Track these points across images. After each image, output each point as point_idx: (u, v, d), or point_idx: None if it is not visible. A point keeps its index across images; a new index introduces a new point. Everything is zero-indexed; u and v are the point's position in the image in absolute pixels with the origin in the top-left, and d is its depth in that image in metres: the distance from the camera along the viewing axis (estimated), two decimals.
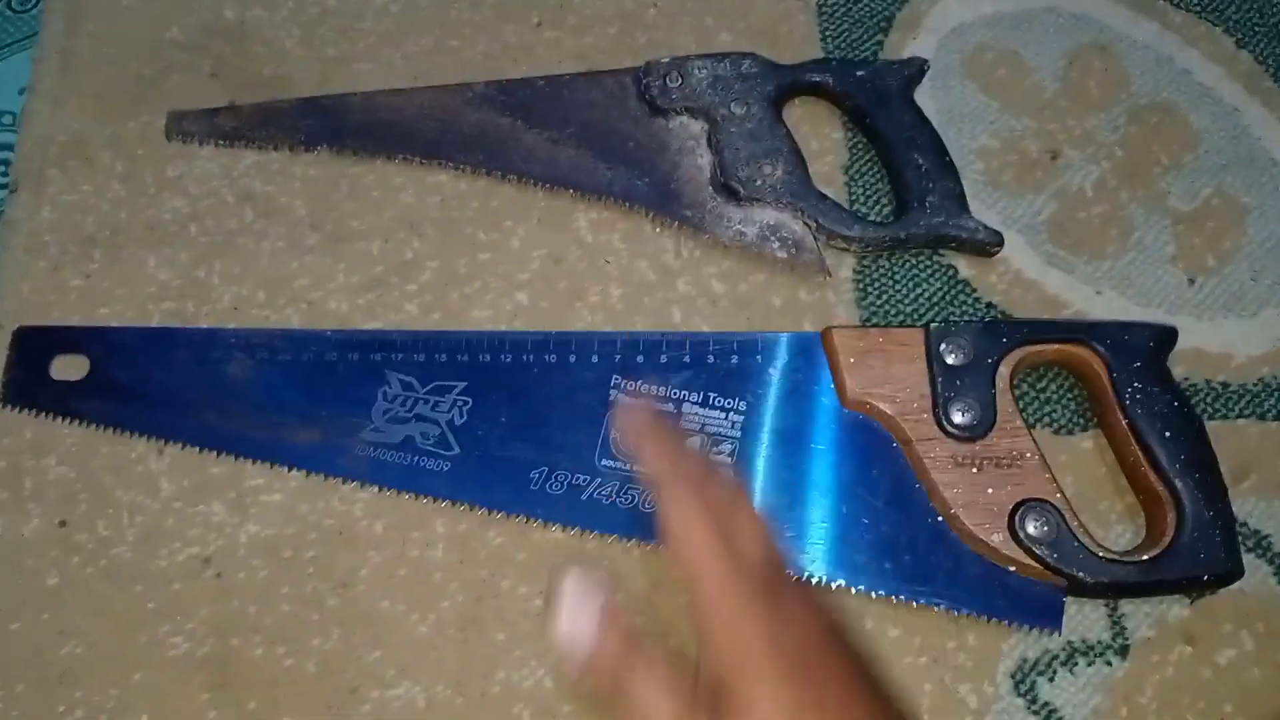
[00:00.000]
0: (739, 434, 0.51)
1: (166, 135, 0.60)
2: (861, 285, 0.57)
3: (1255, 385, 0.54)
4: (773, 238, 0.57)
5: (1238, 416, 0.54)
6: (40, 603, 0.50)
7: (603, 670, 0.37)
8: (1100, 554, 0.47)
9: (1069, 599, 0.49)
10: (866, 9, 0.64)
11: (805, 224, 0.57)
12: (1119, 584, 0.48)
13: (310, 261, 0.57)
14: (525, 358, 0.53)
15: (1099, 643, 0.49)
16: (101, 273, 0.57)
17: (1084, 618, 0.49)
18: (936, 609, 0.49)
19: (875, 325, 0.55)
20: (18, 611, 0.50)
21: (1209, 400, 0.54)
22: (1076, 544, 0.47)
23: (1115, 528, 0.51)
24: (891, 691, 0.37)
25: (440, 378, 0.53)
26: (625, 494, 0.51)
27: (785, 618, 0.36)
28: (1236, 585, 0.49)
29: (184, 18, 0.64)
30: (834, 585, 0.49)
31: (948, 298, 0.56)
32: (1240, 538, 0.50)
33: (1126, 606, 0.50)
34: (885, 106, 0.58)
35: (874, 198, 0.59)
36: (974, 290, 0.57)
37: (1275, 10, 0.64)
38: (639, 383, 0.52)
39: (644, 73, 0.60)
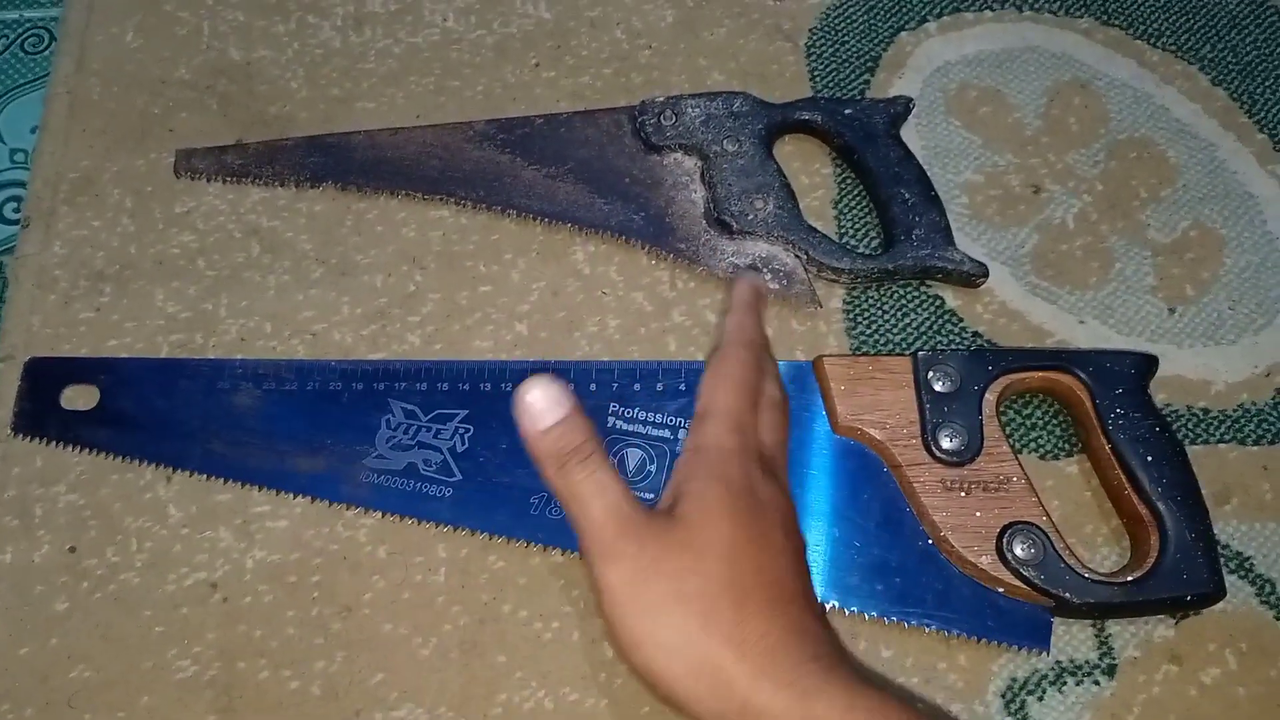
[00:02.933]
0: None
1: (175, 172, 0.62)
2: (851, 315, 0.58)
3: (1235, 411, 0.56)
4: (765, 270, 0.58)
5: (1218, 441, 0.55)
6: (49, 628, 0.51)
7: (558, 454, 0.41)
8: (1086, 575, 0.49)
9: (1056, 619, 0.50)
10: (853, 50, 0.66)
11: (796, 256, 0.58)
12: (1105, 604, 0.49)
13: (315, 294, 0.59)
14: None
15: (1086, 662, 0.50)
16: (111, 306, 0.58)
17: (1072, 638, 0.51)
18: (927, 630, 0.50)
19: (865, 354, 0.57)
20: (27, 636, 0.50)
21: (1190, 426, 0.56)
22: (1063, 566, 0.49)
23: (1101, 550, 0.52)
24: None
25: (442, 406, 0.54)
26: None
27: (764, 482, 0.43)
28: (1220, 606, 0.50)
29: (191, 58, 0.66)
30: (827, 606, 0.50)
31: (935, 327, 0.58)
32: (1223, 559, 0.51)
33: (1113, 627, 0.51)
34: (873, 143, 0.60)
35: (862, 231, 0.61)
36: (960, 320, 0.58)
37: (1248, 49, 0.67)
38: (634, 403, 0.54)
39: (639, 111, 0.62)
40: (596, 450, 0.42)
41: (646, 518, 0.41)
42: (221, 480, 0.54)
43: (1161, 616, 0.51)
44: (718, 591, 0.39)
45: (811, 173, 0.63)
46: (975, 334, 0.58)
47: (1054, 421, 0.55)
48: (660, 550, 0.40)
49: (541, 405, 0.42)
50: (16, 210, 0.63)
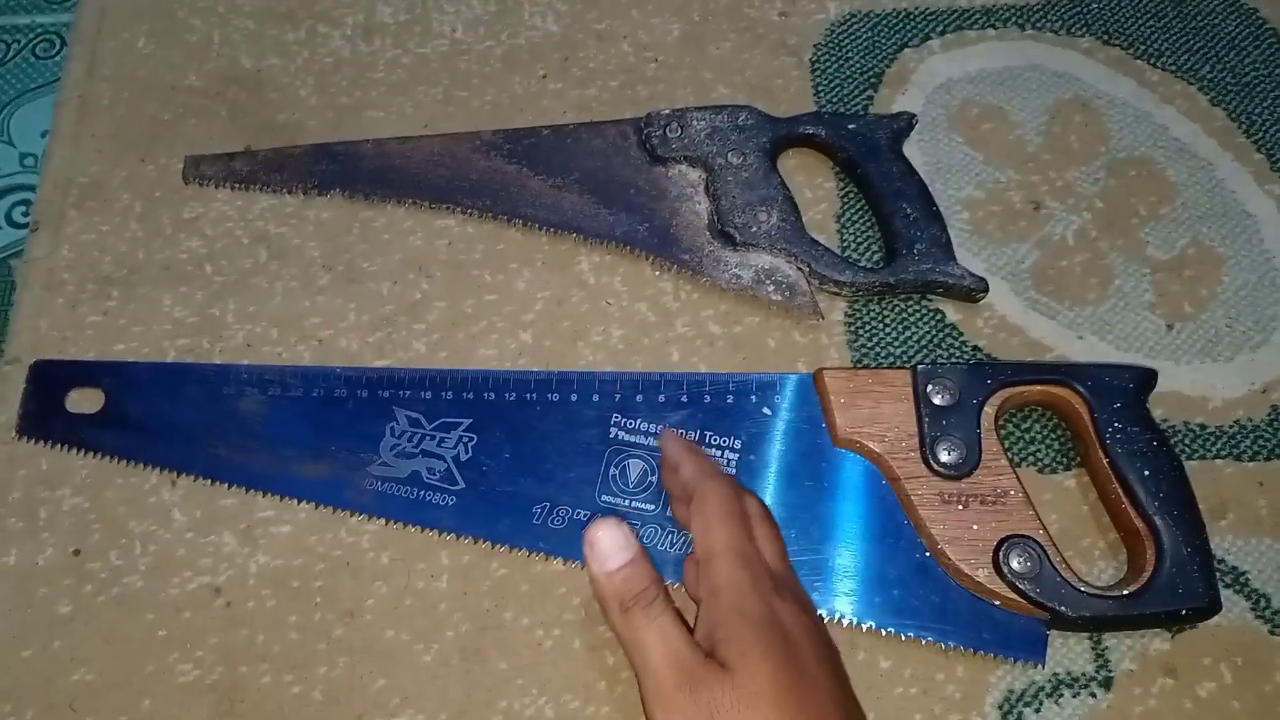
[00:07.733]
0: (734, 471, 0.53)
1: (183, 178, 0.63)
2: (853, 328, 0.59)
3: (1231, 427, 0.56)
4: (768, 282, 0.59)
5: (1215, 457, 0.56)
6: (52, 630, 0.51)
7: (622, 598, 0.43)
8: (1082, 589, 0.49)
9: (1054, 632, 0.50)
10: (857, 66, 0.67)
11: (799, 269, 0.59)
12: (1101, 618, 0.49)
13: (322, 301, 0.59)
14: (529, 396, 0.55)
15: (1083, 675, 0.51)
16: (118, 310, 0.59)
17: (1068, 650, 0.51)
18: (925, 641, 0.50)
19: (865, 367, 0.57)
20: (30, 639, 0.51)
21: (1187, 441, 0.56)
22: (1059, 579, 0.49)
23: (1098, 563, 0.53)
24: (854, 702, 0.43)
25: (446, 415, 0.55)
26: None
27: (784, 605, 0.43)
28: (1215, 620, 0.50)
29: (201, 65, 0.67)
30: (825, 617, 0.50)
31: (935, 340, 0.59)
32: (1219, 574, 0.51)
33: (1109, 639, 0.51)
34: (875, 158, 0.61)
35: (864, 244, 0.61)
36: (961, 334, 0.59)
37: (1247, 70, 0.67)
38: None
39: (645, 123, 0.62)
40: (660, 596, 0.43)
41: (703, 668, 0.41)
42: (226, 485, 0.54)
43: (1158, 630, 0.51)
44: None
45: (815, 186, 0.63)
46: (975, 348, 0.58)
47: (1053, 436, 0.56)
48: (714, 700, 0.40)
49: (608, 546, 0.44)
50: (25, 214, 0.63)
